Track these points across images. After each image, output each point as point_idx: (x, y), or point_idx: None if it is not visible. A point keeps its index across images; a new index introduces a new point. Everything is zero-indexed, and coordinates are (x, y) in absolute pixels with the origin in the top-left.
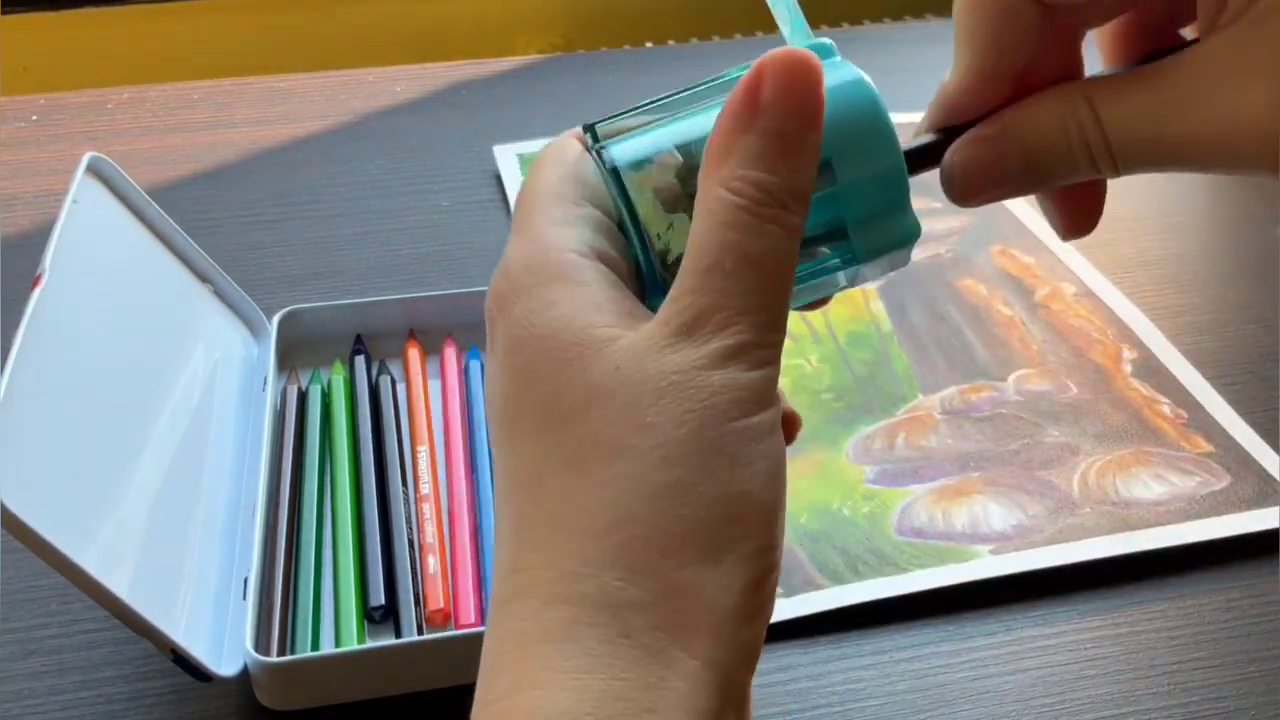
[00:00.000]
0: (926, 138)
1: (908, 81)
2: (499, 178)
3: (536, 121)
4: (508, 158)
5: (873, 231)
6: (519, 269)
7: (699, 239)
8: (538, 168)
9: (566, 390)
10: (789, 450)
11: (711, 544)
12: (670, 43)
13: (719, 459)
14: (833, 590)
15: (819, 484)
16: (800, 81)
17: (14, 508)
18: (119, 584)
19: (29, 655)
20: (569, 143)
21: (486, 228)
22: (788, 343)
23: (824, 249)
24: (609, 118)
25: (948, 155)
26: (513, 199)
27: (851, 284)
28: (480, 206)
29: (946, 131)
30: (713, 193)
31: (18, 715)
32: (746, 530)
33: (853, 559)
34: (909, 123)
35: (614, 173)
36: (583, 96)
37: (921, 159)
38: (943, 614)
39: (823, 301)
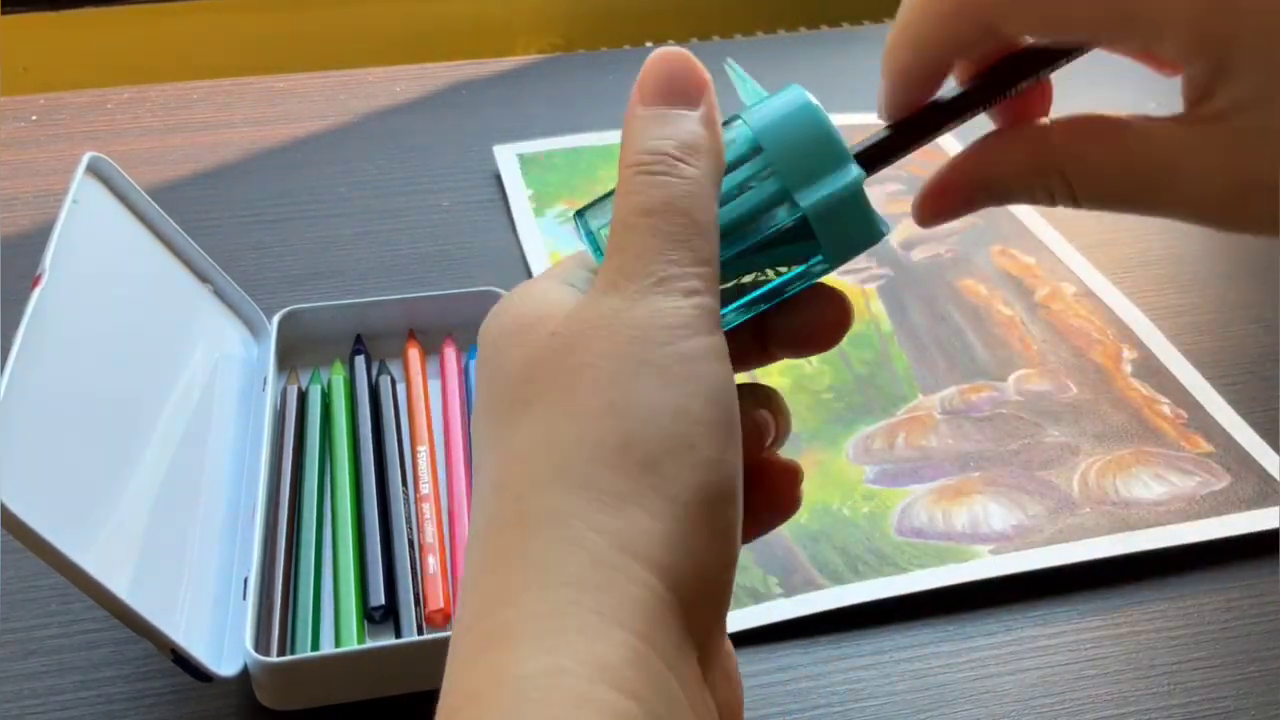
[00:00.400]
0: (876, 135)
1: None
2: (499, 178)
3: (536, 121)
4: (508, 158)
5: (807, 177)
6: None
7: (615, 214)
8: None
9: (512, 363)
10: (790, 451)
11: (653, 455)
12: (670, 43)
13: (651, 380)
14: (833, 590)
15: (819, 484)
16: (661, 66)
17: (14, 508)
18: (119, 584)
19: (29, 655)
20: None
21: (486, 228)
22: None
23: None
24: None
25: (916, 199)
26: (513, 199)
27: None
28: (480, 206)
29: (892, 127)
30: (620, 175)
31: (17, 715)
32: (690, 443)
33: (853, 559)
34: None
35: (582, 219)
36: (583, 96)
37: (872, 154)
38: (943, 614)
39: (831, 310)
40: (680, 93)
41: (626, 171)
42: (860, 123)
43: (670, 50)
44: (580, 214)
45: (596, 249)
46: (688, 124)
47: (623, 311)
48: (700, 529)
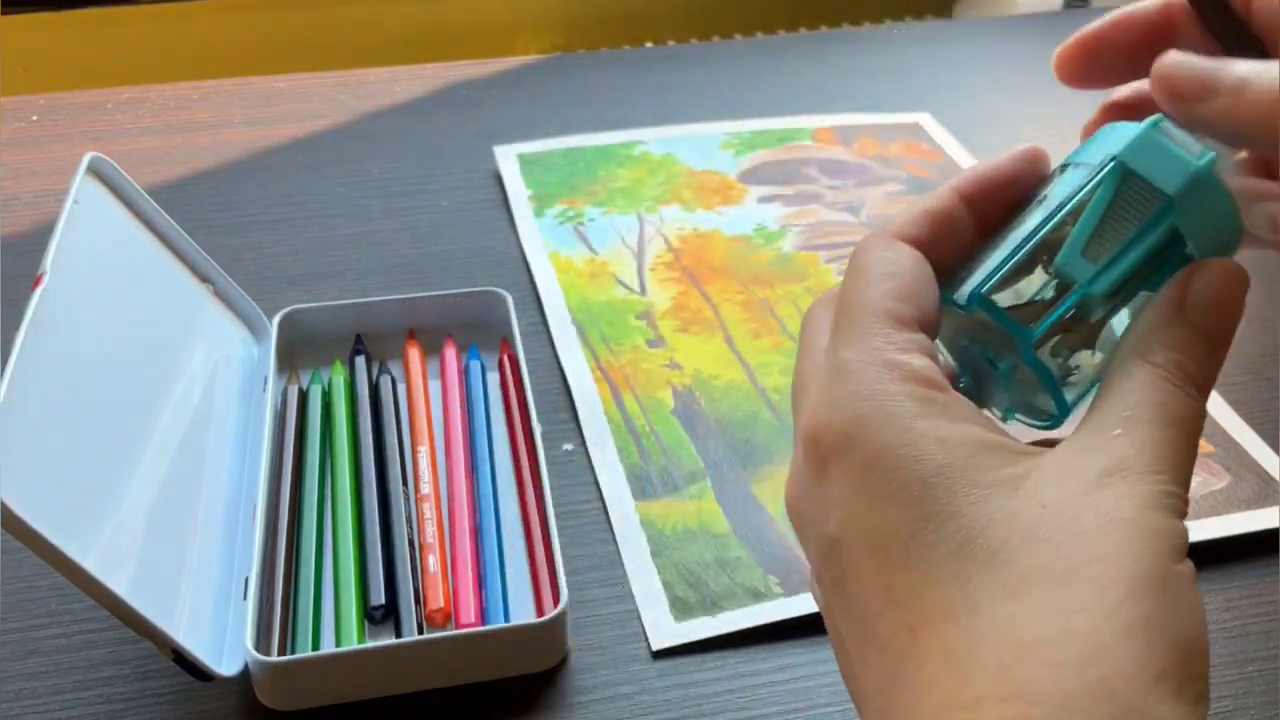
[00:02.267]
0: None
1: (907, 82)
2: (499, 178)
3: (537, 121)
4: (508, 158)
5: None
6: (878, 392)
7: (1124, 395)
8: (865, 272)
9: (988, 525)
10: (790, 451)
11: (1177, 682)
12: (670, 43)
13: (1174, 600)
14: None
15: None
16: (1231, 294)
17: (15, 507)
18: (120, 583)
19: (29, 655)
20: (899, 252)
21: (487, 228)
22: (789, 343)
23: None
24: (989, 280)
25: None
26: (513, 199)
27: None
28: (480, 207)
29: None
30: (1138, 365)
31: (18, 715)
32: (1199, 672)
33: None
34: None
35: (1031, 345)
36: (583, 96)
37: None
38: None
39: None
40: (1220, 332)
41: (1150, 367)
42: (857, 122)
43: (1226, 279)
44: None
45: (1050, 379)
46: (1212, 366)
47: (1143, 514)
48: None
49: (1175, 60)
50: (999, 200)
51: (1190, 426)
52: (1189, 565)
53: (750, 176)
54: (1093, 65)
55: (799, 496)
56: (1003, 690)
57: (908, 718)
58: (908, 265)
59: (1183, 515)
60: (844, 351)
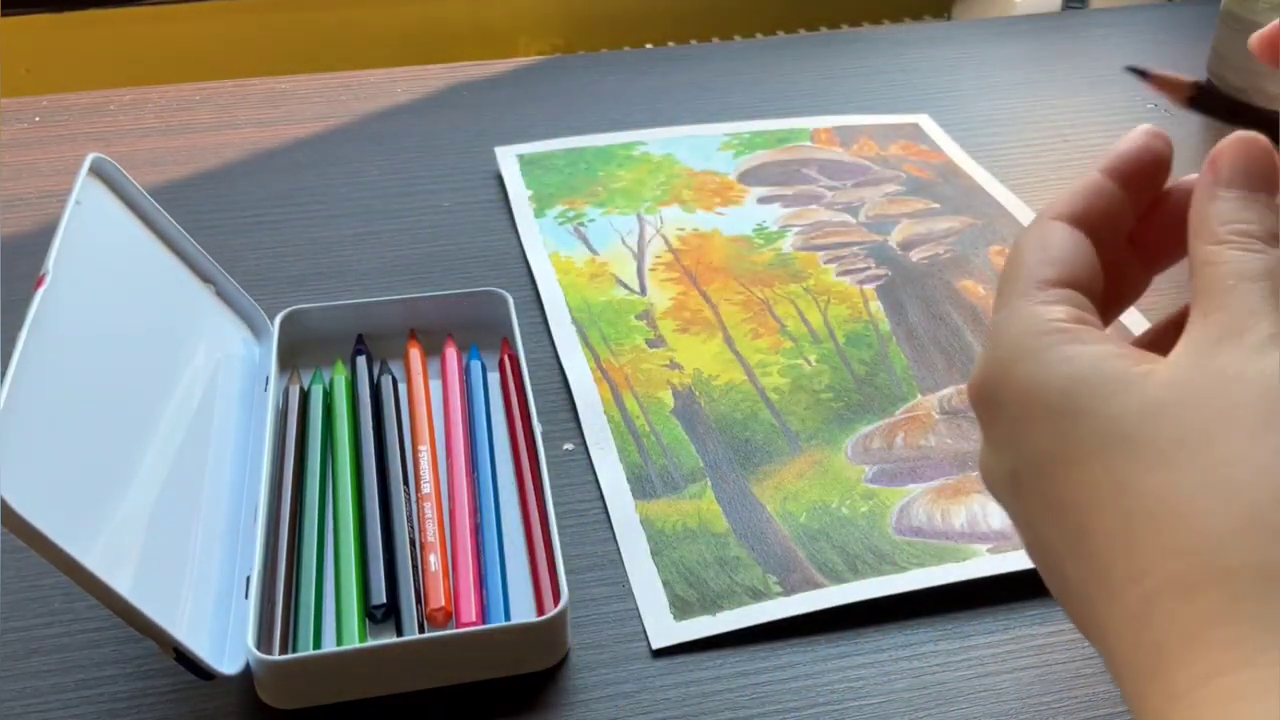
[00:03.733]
0: None
1: (907, 82)
2: (500, 178)
3: (537, 122)
4: (508, 159)
5: None
6: (1019, 336)
7: (1204, 283)
8: (1018, 248)
9: (1123, 413)
10: (789, 451)
11: None
12: (670, 44)
13: None
14: (831, 589)
15: (818, 483)
16: (1243, 149)
17: (17, 507)
18: (122, 583)
19: (32, 654)
20: (1047, 227)
21: (488, 228)
22: (789, 343)
23: None
24: None
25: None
26: (514, 199)
27: None
28: (481, 207)
29: None
30: (1202, 248)
31: (20, 714)
32: None
33: (851, 558)
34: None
35: None
36: (583, 97)
37: None
38: (941, 613)
39: None
40: (1260, 181)
41: (1211, 246)
42: (856, 123)
43: (1252, 136)
44: None
45: None
46: (1269, 213)
47: (1248, 365)
48: None
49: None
50: (1140, 169)
51: (1270, 274)
52: None
53: (750, 177)
54: None
55: (984, 465)
56: (1160, 558)
57: (1094, 606)
58: (1056, 237)
59: None
60: (996, 316)
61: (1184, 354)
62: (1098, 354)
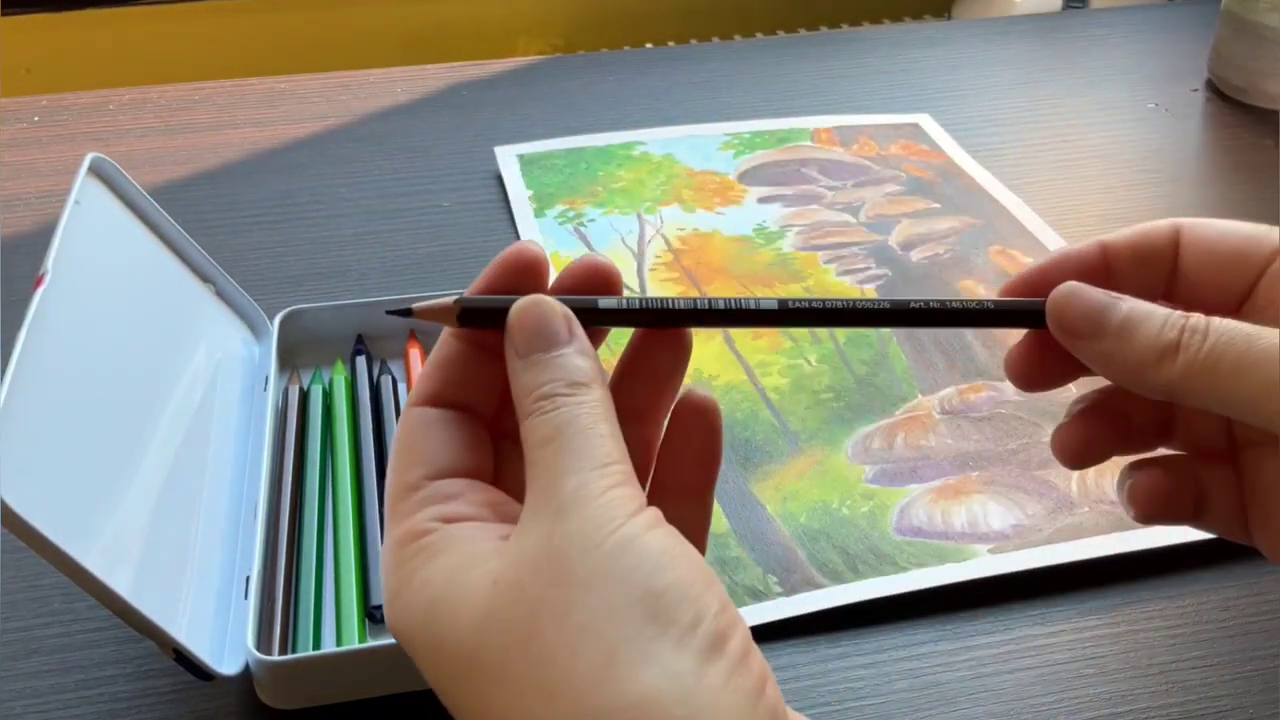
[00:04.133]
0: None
1: (907, 82)
2: (499, 178)
3: (537, 122)
4: (508, 158)
5: None
6: (390, 567)
7: (525, 457)
8: (393, 455)
9: (466, 635)
10: (790, 451)
11: (669, 620)
12: (670, 44)
13: (605, 580)
14: (832, 589)
15: (818, 483)
16: (525, 319)
17: (17, 507)
18: (121, 583)
19: (31, 654)
20: (409, 421)
21: (487, 228)
22: (788, 343)
23: None
24: None
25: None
26: (513, 199)
27: None
28: (481, 207)
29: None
30: (521, 429)
31: (20, 714)
32: (679, 607)
33: (852, 558)
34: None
35: None
36: (583, 97)
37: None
38: (941, 613)
39: None
40: (550, 337)
41: (525, 422)
42: (856, 123)
43: (527, 301)
44: None
45: None
46: (568, 361)
47: (554, 534)
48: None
49: (1068, 290)
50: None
51: (568, 425)
52: (640, 518)
53: (750, 177)
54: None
55: None
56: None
57: None
58: (416, 430)
59: (610, 484)
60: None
61: (515, 537)
62: (451, 565)
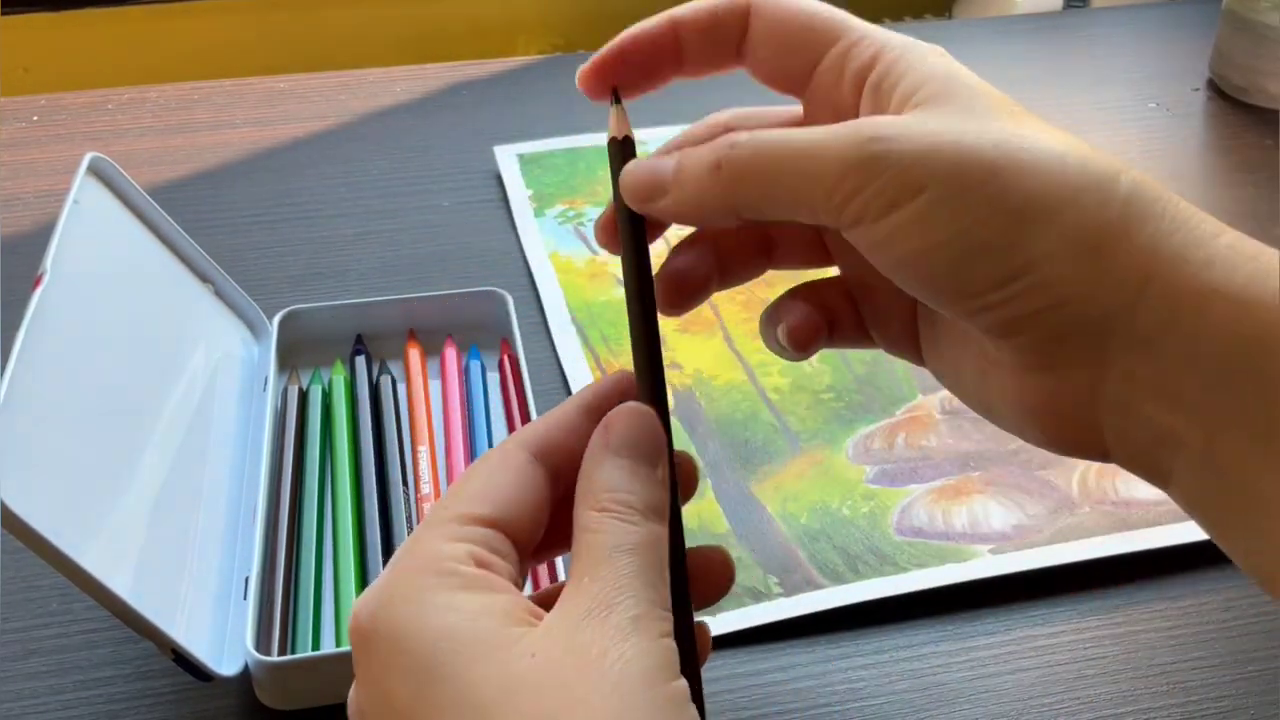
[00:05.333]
0: None
1: None
2: (499, 178)
3: (537, 122)
4: (508, 158)
5: None
6: (410, 572)
7: (582, 548)
8: (467, 476)
9: (483, 682)
10: (790, 451)
11: None
12: None
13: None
14: (832, 590)
15: (819, 483)
16: (632, 421)
17: (15, 508)
18: (120, 584)
19: (30, 655)
20: (507, 460)
21: (487, 228)
22: None
23: None
24: None
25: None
26: (513, 199)
27: None
28: (481, 207)
29: None
30: (583, 512)
31: (18, 714)
32: None
33: (852, 558)
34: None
35: None
36: (583, 97)
37: None
38: (942, 613)
39: None
40: (648, 453)
41: (594, 513)
42: None
43: (638, 407)
44: None
45: None
46: (653, 486)
47: (610, 647)
48: None
49: (630, 168)
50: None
51: (645, 549)
52: (681, 683)
53: None
54: (612, 80)
55: (355, 691)
56: None
57: None
58: (507, 473)
59: (664, 633)
60: (410, 538)
61: (556, 621)
62: (480, 608)
